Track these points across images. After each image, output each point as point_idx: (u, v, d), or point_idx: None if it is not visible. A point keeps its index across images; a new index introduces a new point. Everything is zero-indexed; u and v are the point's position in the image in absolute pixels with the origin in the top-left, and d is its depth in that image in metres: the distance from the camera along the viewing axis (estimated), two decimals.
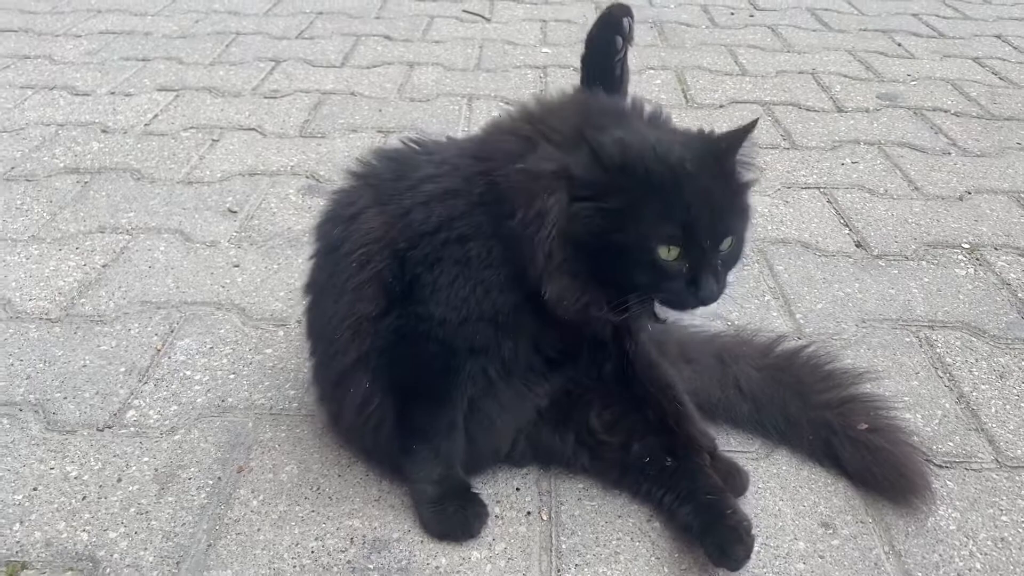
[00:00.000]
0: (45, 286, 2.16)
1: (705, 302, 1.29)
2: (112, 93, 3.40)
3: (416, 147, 1.52)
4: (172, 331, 2.00)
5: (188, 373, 1.87)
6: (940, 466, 1.64)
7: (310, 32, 4.18)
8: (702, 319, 1.94)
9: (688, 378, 1.73)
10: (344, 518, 1.51)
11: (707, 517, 1.45)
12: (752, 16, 4.56)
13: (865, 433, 1.59)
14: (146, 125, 3.12)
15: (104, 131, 3.06)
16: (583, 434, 1.59)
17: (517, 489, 1.59)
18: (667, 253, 1.24)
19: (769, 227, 2.48)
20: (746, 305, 2.12)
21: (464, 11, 4.57)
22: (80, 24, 4.22)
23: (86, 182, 2.70)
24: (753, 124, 1.33)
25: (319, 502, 1.55)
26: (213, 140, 3.01)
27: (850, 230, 2.48)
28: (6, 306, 2.08)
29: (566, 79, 3.62)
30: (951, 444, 1.69)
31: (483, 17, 4.49)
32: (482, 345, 1.41)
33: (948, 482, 1.60)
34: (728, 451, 1.66)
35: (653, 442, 1.57)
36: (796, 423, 1.66)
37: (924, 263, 2.31)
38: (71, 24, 4.22)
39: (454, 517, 1.47)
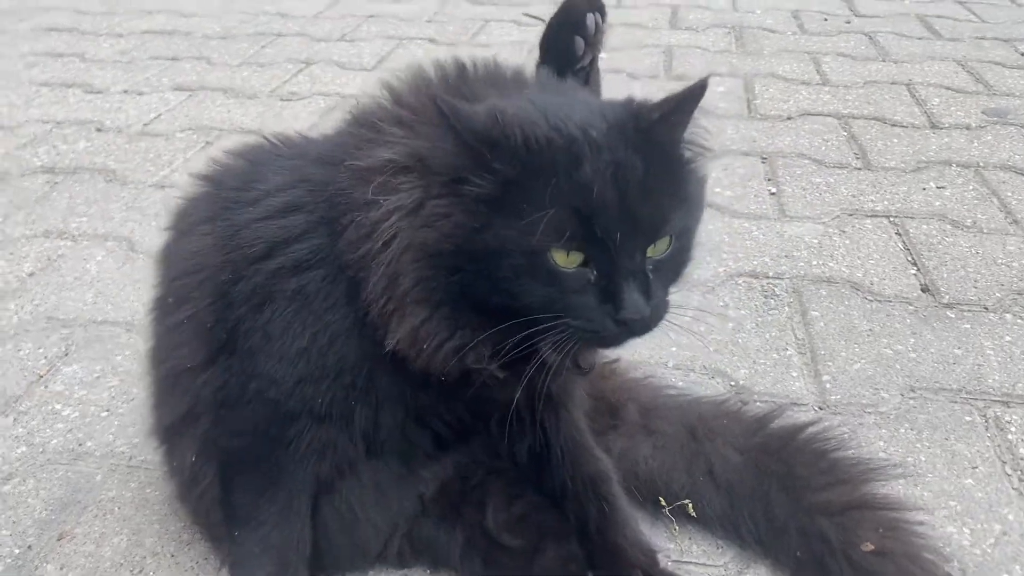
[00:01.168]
0: None
1: (630, 324, 0.90)
2: (125, 92, 3.22)
3: (279, 146, 1.17)
4: (66, 354, 1.72)
5: (58, 407, 1.57)
6: None
7: (353, 35, 3.92)
8: (684, 375, 1.51)
9: (647, 455, 1.31)
10: None
11: None
12: (848, 23, 4.02)
13: (872, 557, 1.13)
14: (145, 125, 2.90)
15: (98, 130, 2.86)
16: (476, 534, 1.19)
17: None
18: (565, 257, 0.87)
19: (814, 262, 2.01)
20: (760, 360, 1.66)
21: (525, 15, 4.22)
22: (126, 24, 4.11)
23: (56, 183, 2.48)
24: (702, 85, 0.94)
25: None
26: (207, 142, 2.76)
27: (918, 269, 1.97)
28: None
29: (617, 86, 3.21)
30: None
31: (543, 20, 4.12)
32: (328, 412, 1.04)
33: None
34: (686, 562, 1.22)
35: (569, 551, 1.16)
36: (782, 530, 1.21)
37: (1009, 316, 1.79)
38: (117, 23, 4.11)
39: None
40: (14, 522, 1.32)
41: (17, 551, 1.27)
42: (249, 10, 4.36)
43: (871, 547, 1.14)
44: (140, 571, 1.24)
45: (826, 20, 4.07)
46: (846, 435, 1.36)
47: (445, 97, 0.86)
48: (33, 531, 1.30)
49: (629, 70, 3.37)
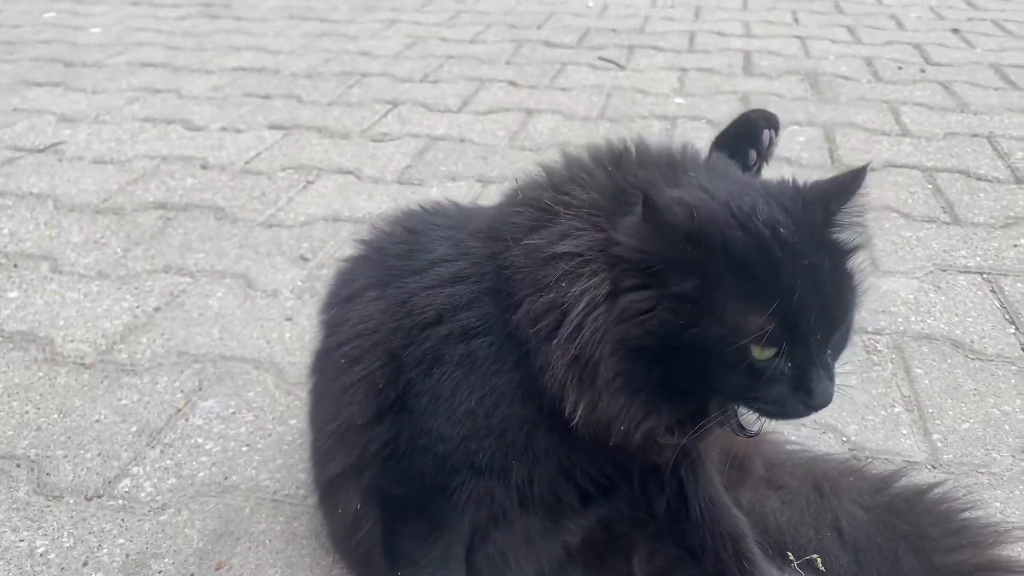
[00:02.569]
0: (91, 327, 2.04)
1: (819, 408, 0.96)
2: (224, 129, 3.37)
3: (434, 215, 1.26)
4: (200, 388, 1.82)
5: (200, 441, 1.66)
6: None
7: (435, 76, 4.05)
8: (795, 429, 1.56)
9: (775, 509, 1.36)
10: None
11: None
12: (923, 71, 4.06)
13: None
14: (246, 163, 3.04)
15: (203, 167, 2.99)
16: None
17: None
18: (761, 351, 0.92)
19: (912, 318, 2.05)
20: (869, 417, 1.71)
21: (600, 58, 4.32)
22: (216, 60, 4.28)
23: (169, 219, 2.61)
24: (863, 170, 1.01)
25: None
26: (308, 182, 2.88)
27: (1016, 329, 2.00)
28: (47, 346, 1.97)
29: (696, 132, 3.29)
30: None
31: (617, 64, 4.22)
32: (488, 466, 1.11)
33: None
34: None
35: None
36: None
37: None
38: (208, 59, 4.29)
39: None
40: (175, 551, 1.40)
41: None
42: (331, 48, 4.52)
43: None
44: None
45: (900, 69, 4.10)
46: (973, 498, 1.40)
47: (654, 194, 0.92)
48: (194, 560, 1.39)
49: (708, 116, 3.45)
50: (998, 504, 1.48)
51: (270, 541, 1.43)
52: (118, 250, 2.42)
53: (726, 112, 3.48)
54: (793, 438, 1.61)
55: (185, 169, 2.97)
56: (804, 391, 0.94)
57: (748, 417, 1.05)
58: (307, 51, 4.47)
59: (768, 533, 1.35)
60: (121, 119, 3.48)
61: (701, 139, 3.23)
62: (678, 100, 3.68)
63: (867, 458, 1.49)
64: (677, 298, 0.91)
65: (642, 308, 0.93)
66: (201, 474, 1.58)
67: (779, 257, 0.91)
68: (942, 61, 4.21)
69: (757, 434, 1.08)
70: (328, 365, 1.24)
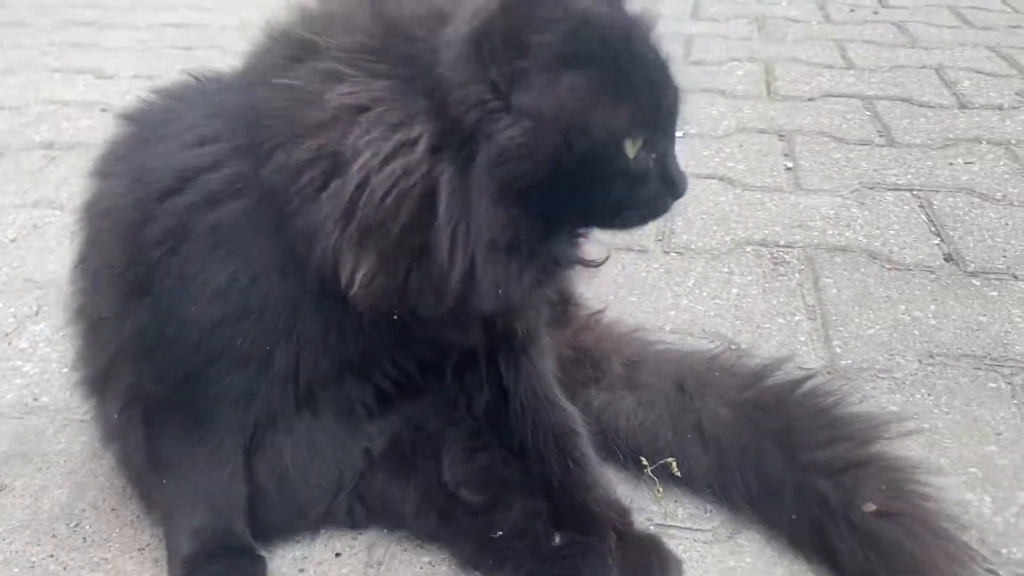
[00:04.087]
0: None
1: (682, 193, 0.90)
2: (135, 76, 3.19)
3: (213, 83, 1.07)
4: (36, 313, 1.65)
5: (19, 364, 1.50)
6: None
7: None
8: (681, 339, 1.40)
9: (629, 410, 1.20)
10: (86, 570, 1.07)
11: None
12: (876, 13, 3.88)
13: (874, 519, 1.01)
14: None
15: (103, 110, 2.82)
16: (432, 488, 1.08)
17: (337, 555, 1.10)
18: (633, 147, 0.84)
19: (828, 231, 1.88)
20: (765, 325, 1.54)
21: None
22: (147, 17, 4.10)
23: (54, 157, 2.44)
24: None
25: (67, 543, 1.12)
26: None
27: (941, 240, 1.83)
28: None
29: None
30: None
31: None
32: (248, 355, 0.94)
33: None
34: (670, 526, 1.11)
35: (533, 508, 1.05)
36: (776, 491, 1.09)
37: None
38: (138, 17, 4.11)
39: None
40: None
41: None
42: (269, 4, 4.33)
43: (873, 508, 1.01)
44: (76, 524, 1.15)
45: (853, 11, 3.93)
46: (851, 391, 1.23)
47: None
48: None
49: None
50: (895, 408, 1.32)
51: (64, 462, 1.26)
52: None
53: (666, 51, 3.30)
54: (673, 344, 1.44)
55: (82, 112, 2.80)
56: (667, 182, 0.87)
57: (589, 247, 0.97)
58: (243, 7, 4.29)
59: (621, 436, 1.19)
60: (32, 71, 3.30)
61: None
62: None
63: (743, 355, 1.32)
64: (555, 114, 0.80)
65: (522, 141, 0.80)
66: (9, 395, 1.42)
67: (644, 41, 0.86)
68: (898, 4, 4.03)
69: (604, 262, 0.98)
70: (79, 259, 1.08)
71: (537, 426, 1.08)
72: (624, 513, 1.05)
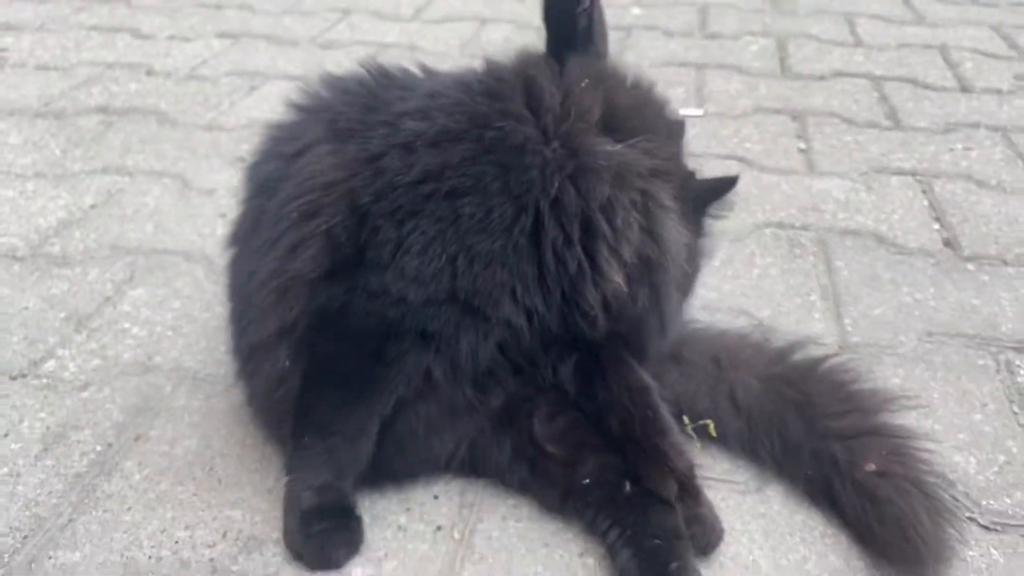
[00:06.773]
0: (25, 223, 2.04)
1: None
2: (171, 37, 3.31)
3: (385, 78, 1.25)
4: (131, 279, 1.83)
5: (127, 326, 1.69)
6: (986, 528, 1.25)
7: None
8: (710, 315, 1.60)
9: (674, 381, 1.40)
10: (226, 507, 1.29)
11: (645, 567, 1.14)
12: None
13: (873, 476, 1.23)
14: (192, 69, 3.00)
15: (148, 73, 2.96)
16: (524, 442, 1.29)
17: (435, 497, 1.31)
18: None
19: (840, 215, 2.08)
20: (784, 304, 1.75)
21: None
22: None
23: (110, 122, 2.58)
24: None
25: (206, 484, 1.33)
26: (252, 87, 2.85)
27: (941, 225, 2.04)
28: None
29: (651, 42, 3.26)
30: (1008, 501, 1.29)
31: None
32: (435, 334, 1.12)
33: (992, 550, 1.21)
34: (709, 478, 1.33)
35: (609, 462, 1.26)
36: (795, 452, 1.31)
37: None
38: None
39: (317, 539, 1.18)
40: (95, 424, 1.44)
41: (99, 448, 1.39)
42: None
43: (873, 467, 1.23)
44: (210, 468, 1.36)
45: None
46: (865, 369, 1.45)
47: None
48: (112, 432, 1.42)
49: (664, 27, 3.42)
50: (897, 380, 1.53)
51: (188, 416, 1.46)
52: (56, 151, 2.40)
53: (683, 22, 3.45)
54: (705, 320, 1.65)
55: (129, 75, 2.94)
56: None
57: None
58: None
59: (667, 402, 1.39)
60: (67, 28, 3.41)
61: (655, 49, 3.22)
62: (635, 11, 3.64)
63: (770, 335, 1.53)
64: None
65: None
66: (126, 356, 1.61)
67: None
68: None
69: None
70: (267, 221, 1.20)
71: (621, 382, 1.27)
72: (687, 463, 1.24)
